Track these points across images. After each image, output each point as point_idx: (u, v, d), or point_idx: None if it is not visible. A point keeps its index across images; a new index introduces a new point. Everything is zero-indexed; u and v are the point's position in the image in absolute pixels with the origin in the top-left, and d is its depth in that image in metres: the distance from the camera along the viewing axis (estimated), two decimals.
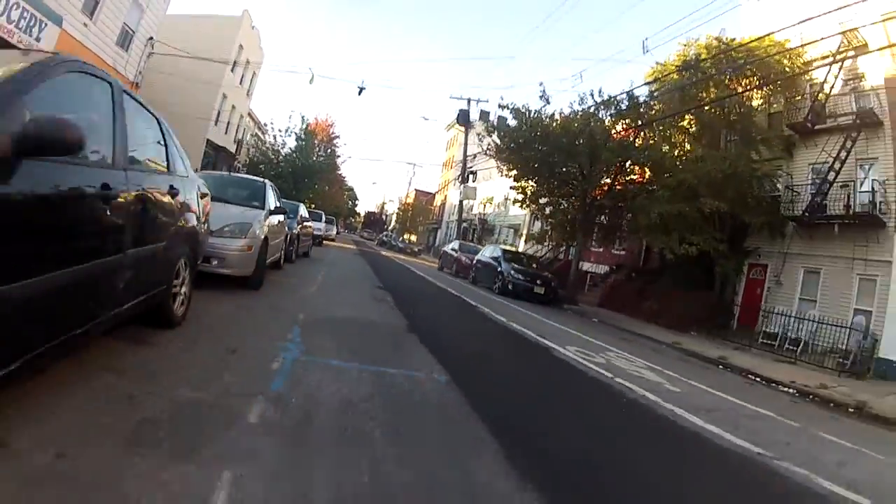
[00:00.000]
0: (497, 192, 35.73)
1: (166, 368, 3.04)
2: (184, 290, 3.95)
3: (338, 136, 40.18)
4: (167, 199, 3.30)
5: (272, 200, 7.89)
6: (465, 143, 31.27)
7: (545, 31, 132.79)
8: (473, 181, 35.98)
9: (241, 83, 29.11)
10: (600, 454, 3.54)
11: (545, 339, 8.24)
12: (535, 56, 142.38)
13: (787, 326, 13.85)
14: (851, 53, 14.37)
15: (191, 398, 2.70)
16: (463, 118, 31.13)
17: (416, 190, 66.56)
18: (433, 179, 68.05)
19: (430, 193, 65.50)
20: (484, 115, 27.63)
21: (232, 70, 26.47)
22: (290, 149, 32.33)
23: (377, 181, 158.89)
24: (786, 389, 8.43)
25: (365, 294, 9.23)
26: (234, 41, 26.20)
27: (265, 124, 34.96)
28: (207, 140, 25.65)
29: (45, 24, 11.83)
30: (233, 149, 30.70)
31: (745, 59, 15.13)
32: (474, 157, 29.43)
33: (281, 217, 8.31)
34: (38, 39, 11.55)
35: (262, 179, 8.48)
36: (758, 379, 9.06)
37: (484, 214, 41.80)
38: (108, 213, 2.37)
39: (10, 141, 1.65)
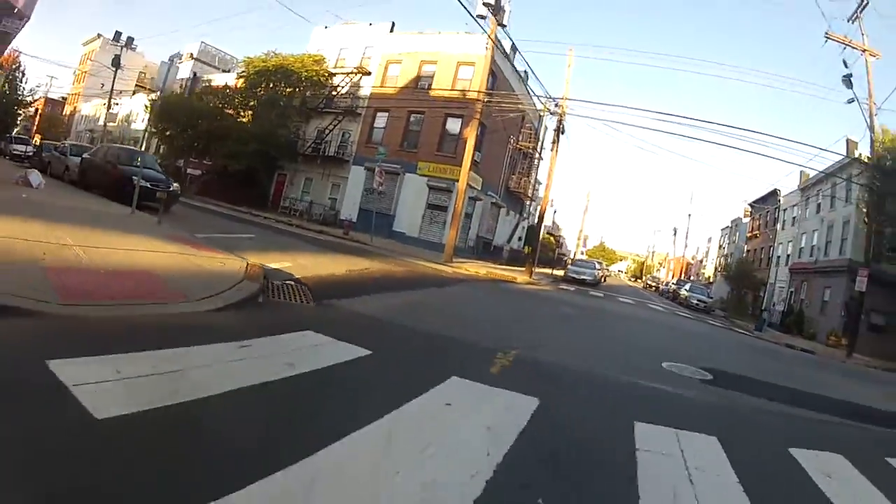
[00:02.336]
0: (123, 110, 42.81)
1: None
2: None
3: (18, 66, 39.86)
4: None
5: None
6: (112, 84, 38.03)
7: None
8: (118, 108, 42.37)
9: None
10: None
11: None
12: None
13: (292, 204, 26.72)
14: (358, 76, 28.10)
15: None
16: (115, 62, 38.07)
17: (46, 97, 63.58)
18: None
19: (61, 101, 64.19)
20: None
21: None
22: None
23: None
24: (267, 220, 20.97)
25: None
26: None
27: None
28: None
29: None
30: None
31: (291, 68, 28.61)
32: (119, 93, 36.80)
33: None
34: None
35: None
36: (256, 217, 21.43)
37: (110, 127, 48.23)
38: None
39: None
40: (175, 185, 13.69)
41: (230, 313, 4.57)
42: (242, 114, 31.33)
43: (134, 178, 12.40)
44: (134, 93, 50.09)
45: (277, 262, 8.12)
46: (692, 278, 65.66)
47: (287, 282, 6.49)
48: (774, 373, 8.90)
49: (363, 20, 30.81)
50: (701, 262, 78.96)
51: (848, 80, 19.26)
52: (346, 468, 2.19)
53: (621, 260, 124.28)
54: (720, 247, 67.66)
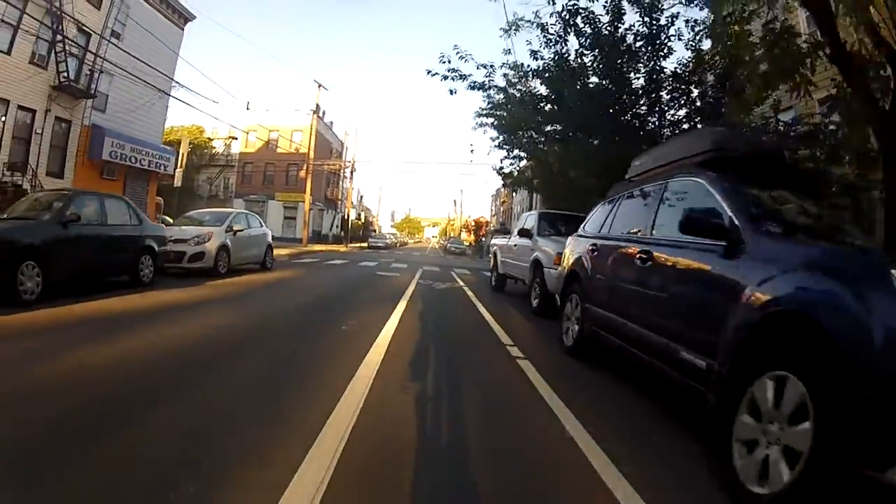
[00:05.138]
0: None
1: None
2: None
3: None
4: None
5: None
6: None
7: None
8: None
9: None
10: None
11: None
12: None
13: None
14: (230, 140, 46.10)
15: None
16: None
17: None
18: None
19: None
20: None
21: None
22: None
23: None
24: None
25: None
26: None
27: None
28: None
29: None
30: None
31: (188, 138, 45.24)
32: None
33: None
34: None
35: None
36: None
37: None
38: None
39: None
40: None
41: (295, 260, 24.57)
42: None
43: None
44: None
45: None
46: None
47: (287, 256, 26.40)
48: (449, 264, 30.61)
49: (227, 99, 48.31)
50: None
51: None
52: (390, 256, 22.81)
53: (434, 225, 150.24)
54: (491, 208, 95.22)
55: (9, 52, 18.66)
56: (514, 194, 68.94)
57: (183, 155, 29.37)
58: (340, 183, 55.42)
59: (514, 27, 12.02)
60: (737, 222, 3.24)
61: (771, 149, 5.02)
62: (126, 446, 2.69)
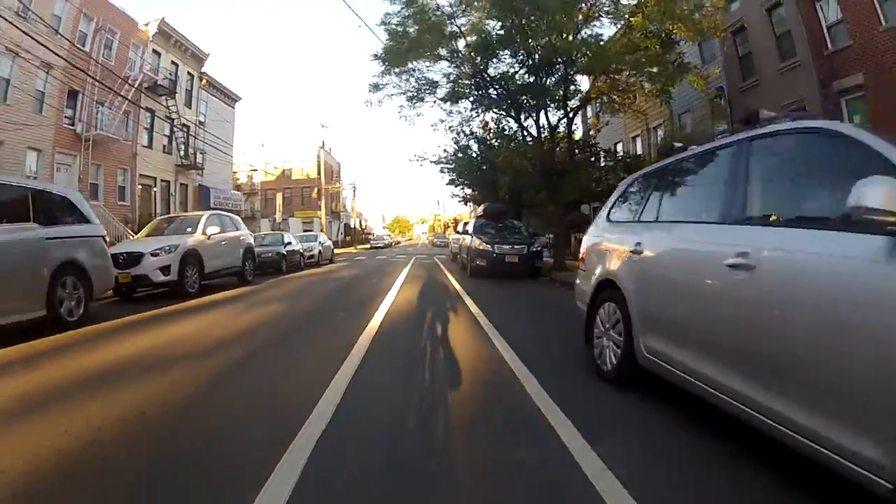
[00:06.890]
0: None
1: None
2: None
3: None
4: None
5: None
6: None
7: None
8: None
9: None
10: None
11: None
12: None
13: None
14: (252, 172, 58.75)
15: None
16: None
17: None
18: None
19: None
20: None
21: None
22: None
23: None
24: None
25: None
26: None
27: None
28: None
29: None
30: None
31: None
32: None
33: None
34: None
35: None
36: None
37: None
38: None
39: None
40: None
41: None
42: None
43: None
44: None
45: None
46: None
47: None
48: (434, 253, 43.48)
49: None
50: None
51: None
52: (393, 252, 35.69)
53: (423, 223, 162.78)
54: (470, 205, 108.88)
55: (150, 146, 31.35)
56: None
57: None
58: (341, 197, 68.54)
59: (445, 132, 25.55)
60: (472, 232, 16.54)
61: (499, 210, 18.36)
62: (365, 287, 16.06)
